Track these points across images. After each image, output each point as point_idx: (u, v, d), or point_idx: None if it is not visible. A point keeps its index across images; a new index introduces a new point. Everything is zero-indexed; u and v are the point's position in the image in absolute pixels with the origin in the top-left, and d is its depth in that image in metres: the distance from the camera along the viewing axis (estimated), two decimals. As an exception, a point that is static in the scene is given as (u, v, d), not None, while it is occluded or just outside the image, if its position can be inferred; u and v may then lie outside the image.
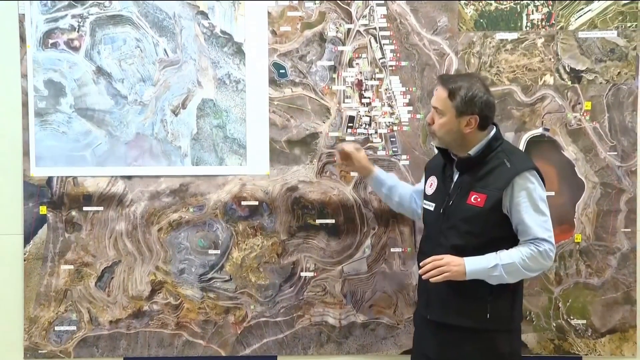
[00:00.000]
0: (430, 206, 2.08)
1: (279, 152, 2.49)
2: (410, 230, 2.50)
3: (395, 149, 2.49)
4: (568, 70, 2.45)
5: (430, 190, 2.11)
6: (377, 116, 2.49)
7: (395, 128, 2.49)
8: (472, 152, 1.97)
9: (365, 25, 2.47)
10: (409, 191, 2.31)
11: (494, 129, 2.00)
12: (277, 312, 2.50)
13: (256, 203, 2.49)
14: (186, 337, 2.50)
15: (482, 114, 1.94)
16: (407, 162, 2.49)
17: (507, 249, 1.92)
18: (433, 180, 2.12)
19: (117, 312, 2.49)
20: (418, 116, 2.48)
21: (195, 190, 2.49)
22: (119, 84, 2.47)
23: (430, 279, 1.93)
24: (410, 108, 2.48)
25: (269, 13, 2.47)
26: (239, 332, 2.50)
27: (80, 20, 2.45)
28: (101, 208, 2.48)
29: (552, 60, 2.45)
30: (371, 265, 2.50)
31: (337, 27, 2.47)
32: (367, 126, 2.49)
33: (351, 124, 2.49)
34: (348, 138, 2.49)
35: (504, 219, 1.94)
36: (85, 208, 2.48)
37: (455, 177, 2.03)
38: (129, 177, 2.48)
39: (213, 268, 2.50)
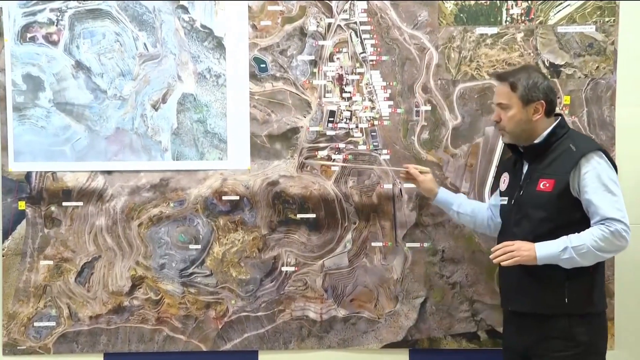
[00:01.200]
0: (504, 200, 2.12)
1: (259, 146, 2.49)
2: (391, 224, 2.50)
3: (376, 144, 2.50)
4: (547, 65, 2.46)
5: (504, 186, 2.15)
6: (357, 111, 2.49)
7: (375, 122, 2.49)
8: (537, 140, 2.00)
9: (346, 19, 2.47)
10: (485, 205, 2.32)
11: (559, 118, 2.03)
12: (258, 306, 2.50)
13: (237, 198, 2.49)
14: (167, 332, 2.49)
15: (547, 98, 1.99)
16: (387, 157, 2.49)
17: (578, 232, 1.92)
18: (506, 177, 2.16)
19: (97, 307, 2.48)
20: (399, 110, 2.49)
21: (176, 185, 2.49)
22: (98, 78, 2.46)
23: (501, 263, 1.94)
24: (391, 102, 2.49)
25: (249, 7, 2.46)
26: (220, 327, 2.50)
27: (58, 14, 2.43)
28: (81, 203, 2.47)
29: (532, 54, 2.46)
30: (352, 259, 2.50)
31: (318, 22, 2.47)
32: (347, 120, 2.49)
33: (332, 119, 2.49)
34: (329, 133, 2.49)
35: (575, 202, 1.95)
36: (64, 203, 2.47)
37: (525, 168, 2.06)
38: (109, 172, 2.47)
39: (194, 263, 2.49)
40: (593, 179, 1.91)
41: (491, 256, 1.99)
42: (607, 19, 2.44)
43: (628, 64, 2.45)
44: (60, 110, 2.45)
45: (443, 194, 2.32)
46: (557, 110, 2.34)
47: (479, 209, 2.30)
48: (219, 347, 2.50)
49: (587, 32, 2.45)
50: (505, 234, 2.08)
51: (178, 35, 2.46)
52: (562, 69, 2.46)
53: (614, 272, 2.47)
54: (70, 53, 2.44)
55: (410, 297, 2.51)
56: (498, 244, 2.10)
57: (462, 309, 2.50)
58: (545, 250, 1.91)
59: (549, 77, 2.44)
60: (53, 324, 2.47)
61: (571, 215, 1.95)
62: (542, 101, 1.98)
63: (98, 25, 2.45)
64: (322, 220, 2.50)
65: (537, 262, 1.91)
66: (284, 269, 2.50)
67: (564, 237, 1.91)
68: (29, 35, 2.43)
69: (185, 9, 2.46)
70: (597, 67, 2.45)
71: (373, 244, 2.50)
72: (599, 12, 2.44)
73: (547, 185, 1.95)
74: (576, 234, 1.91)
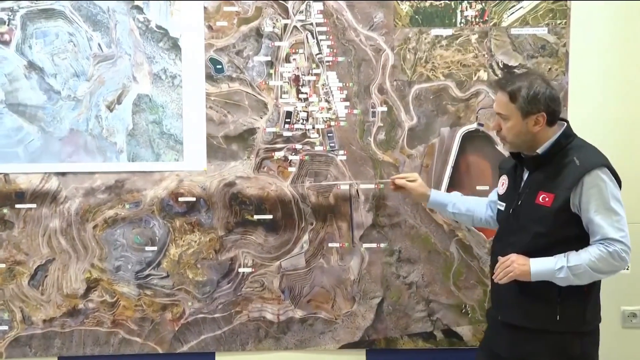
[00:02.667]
0: (502, 206, 2.04)
1: (216, 147, 2.48)
2: (348, 225, 2.51)
3: (333, 144, 2.50)
4: (501, 66, 2.49)
5: (502, 190, 2.08)
6: (314, 111, 2.49)
7: (332, 123, 2.50)
8: (540, 150, 1.91)
9: (302, 20, 2.47)
10: (483, 202, 2.26)
11: (564, 126, 1.94)
12: (215, 308, 2.49)
13: (193, 199, 2.47)
14: (122, 334, 2.48)
15: (548, 109, 1.88)
16: (344, 157, 2.50)
17: (577, 248, 1.85)
18: (505, 180, 2.08)
19: (51, 310, 2.45)
20: (355, 111, 2.50)
21: (132, 186, 2.47)
22: (51, 79, 2.43)
23: (499, 282, 1.90)
24: (347, 103, 2.49)
25: (205, 8, 2.45)
26: (177, 329, 2.49)
27: (10, 13, 2.40)
28: (34, 205, 2.44)
29: (486, 56, 2.49)
30: (309, 260, 2.51)
31: (274, 23, 2.47)
32: (304, 121, 2.49)
33: (288, 120, 2.49)
34: (285, 134, 2.49)
35: (574, 218, 1.87)
36: (17, 205, 2.43)
37: (526, 176, 1.99)
38: (63, 174, 2.45)
39: (150, 265, 2.48)
40: (596, 197, 1.83)
41: (493, 277, 1.93)
42: (558, 21, 2.47)
43: (579, 66, 2.48)
44: (13, 112, 2.42)
45: (435, 196, 2.25)
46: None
47: (475, 206, 2.24)
48: (175, 349, 2.49)
49: (540, 34, 2.48)
50: (502, 242, 2.02)
51: (133, 35, 2.44)
52: (515, 70, 2.48)
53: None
54: (23, 53, 2.41)
55: (367, 297, 2.52)
56: (494, 249, 2.08)
57: (419, 309, 2.52)
58: (540, 267, 1.85)
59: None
60: (5, 327, 2.44)
61: (569, 231, 1.88)
62: (543, 113, 1.87)
63: (51, 25, 2.42)
64: (279, 221, 2.50)
65: (530, 279, 1.86)
66: (241, 270, 2.50)
67: (560, 255, 1.85)
68: (-21, 35, 2.40)
69: (140, 10, 2.44)
70: (550, 68, 2.48)
71: (330, 244, 2.51)
72: (550, 15, 2.47)
73: (547, 199, 1.87)
74: (574, 252, 1.85)
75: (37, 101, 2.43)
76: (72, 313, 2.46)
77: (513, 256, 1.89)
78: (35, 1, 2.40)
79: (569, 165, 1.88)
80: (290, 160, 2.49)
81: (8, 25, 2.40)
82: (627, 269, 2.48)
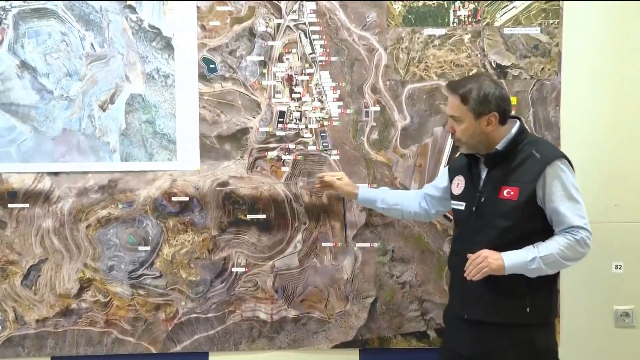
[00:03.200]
0: (461, 205, 2.05)
1: (209, 147, 2.48)
2: (341, 224, 2.51)
3: (326, 144, 2.50)
4: (494, 66, 2.49)
5: (458, 190, 2.09)
6: (307, 111, 2.49)
7: (325, 123, 2.50)
8: (499, 146, 1.95)
9: (295, 20, 2.47)
10: (414, 194, 2.30)
11: (518, 123, 1.99)
12: (209, 308, 2.49)
13: (187, 199, 2.47)
14: (116, 334, 2.47)
15: (499, 109, 1.93)
16: (337, 157, 2.50)
17: (541, 241, 1.90)
18: (460, 180, 2.09)
19: (44, 310, 2.45)
20: (348, 111, 2.50)
21: (125, 186, 2.46)
22: (44, 78, 2.43)
23: (473, 279, 1.90)
24: (341, 103, 2.49)
25: (198, 8, 2.45)
26: (170, 329, 2.49)
27: (2, 13, 2.39)
28: (27, 205, 2.43)
29: (479, 55, 2.49)
30: (302, 260, 2.51)
31: (267, 22, 2.47)
32: (297, 121, 2.50)
33: (282, 119, 2.49)
34: (278, 133, 2.49)
35: (538, 211, 1.92)
36: (10, 205, 2.43)
37: (484, 174, 2.01)
38: (56, 174, 2.44)
39: (143, 265, 2.48)
40: (558, 188, 1.89)
41: (466, 274, 1.93)
42: (551, 21, 2.47)
43: (572, 66, 2.49)
44: (5, 111, 2.42)
45: (364, 193, 2.32)
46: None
47: (403, 199, 2.28)
48: (168, 349, 2.49)
49: (533, 34, 2.48)
50: (465, 241, 2.02)
51: (126, 35, 2.44)
52: (508, 70, 2.49)
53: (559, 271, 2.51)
54: (15, 53, 2.41)
55: (360, 297, 2.52)
56: (454, 250, 2.10)
57: (412, 309, 2.52)
58: (513, 260, 1.87)
59: (495, 78, 2.47)
60: (-2, 327, 2.44)
61: (534, 223, 1.92)
62: (495, 112, 1.92)
63: (43, 25, 2.41)
64: (273, 221, 2.50)
65: (504, 272, 1.87)
66: (234, 269, 2.50)
67: (530, 247, 1.89)
68: (-29, 34, 2.39)
69: (132, 9, 2.44)
70: (543, 68, 2.49)
71: (323, 244, 2.51)
72: (543, 15, 2.47)
73: (512, 193, 1.91)
74: (542, 242, 1.89)
75: (29, 101, 2.42)
76: (65, 313, 2.46)
77: (485, 252, 1.90)
78: (27, 1, 2.39)
79: (529, 159, 1.92)
80: (284, 160, 2.49)
81: (0, 24, 2.40)
82: (620, 269, 2.51)
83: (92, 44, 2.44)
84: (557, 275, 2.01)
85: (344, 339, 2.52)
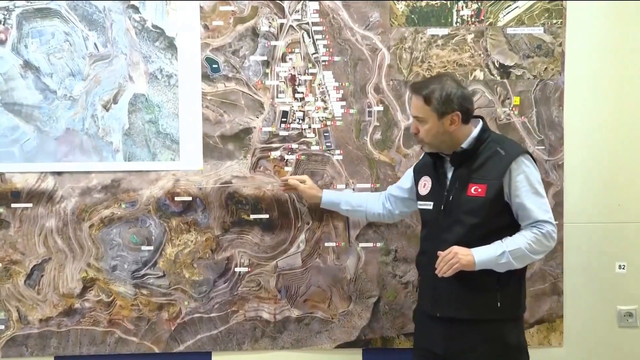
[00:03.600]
0: (428, 205, 2.08)
1: (212, 147, 2.48)
2: (344, 224, 2.51)
3: (329, 144, 2.50)
4: (497, 66, 2.49)
5: (424, 191, 2.11)
6: (310, 111, 2.49)
7: (328, 123, 2.50)
8: (464, 145, 1.99)
9: (298, 20, 2.47)
10: (377, 196, 2.33)
11: (481, 122, 2.03)
12: (212, 307, 2.49)
13: (190, 198, 2.47)
14: (119, 334, 2.47)
15: (462, 108, 1.97)
16: (340, 157, 2.50)
17: (509, 237, 1.93)
18: (426, 180, 2.11)
19: (48, 310, 2.45)
20: (351, 111, 2.50)
21: (128, 186, 2.47)
22: (47, 78, 2.43)
23: (444, 275, 1.91)
24: (344, 103, 2.49)
25: (201, 7, 2.45)
26: (173, 329, 2.49)
27: (5, 12, 2.40)
28: (30, 205, 2.44)
29: (482, 55, 2.49)
30: (305, 259, 2.51)
31: (270, 22, 2.47)
32: (300, 121, 2.49)
33: (285, 119, 2.49)
34: (281, 133, 2.49)
35: (505, 207, 1.96)
36: (13, 205, 2.43)
37: (450, 173, 2.03)
38: (59, 173, 2.44)
39: (146, 264, 2.48)
40: (524, 183, 1.93)
41: (437, 271, 1.94)
42: (554, 21, 2.47)
43: (575, 66, 2.48)
44: (8, 111, 2.42)
45: (328, 196, 2.34)
46: (500, 113, 2.42)
47: (366, 201, 2.31)
48: (172, 348, 2.49)
49: (536, 34, 2.48)
50: (434, 240, 2.04)
51: (129, 35, 2.44)
52: (511, 69, 2.49)
53: (562, 271, 2.51)
54: (19, 52, 2.41)
55: (363, 296, 2.52)
56: (423, 249, 2.12)
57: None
58: (483, 255, 1.90)
59: (498, 78, 2.48)
60: (2, 327, 2.44)
61: (502, 219, 1.96)
62: (458, 112, 1.96)
63: (47, 25, 2.42)
64: (276, 221, 2.50)
65: (475, 268, 1.90)
66: (237, 269, 2.50)
67: (498, 242, 1.92)
68: (-25, 34, 2.40)
69: (136, 9, 2.44)
70: (546, 68, 2.48)
71: (326, 244, 2.51)
72: (546, 14, 2.47)
73: (479, 190, 1.95)
74: (509, 237, 1.92)
75: (33, 100, 2.42)
76: (68, 312, 2.46)
77: (455, 248, 1.92)
78: (31, 0, 2.40)
79: (494, 156, 1.96)
80: (287, 159, 2.49)
81: (4, 24, 2.40)
82: (623, 269, 2.50)
83: (95, 44, 2.44)
84: (524, 270, 2.04)
85: (347, 339, 2.52)
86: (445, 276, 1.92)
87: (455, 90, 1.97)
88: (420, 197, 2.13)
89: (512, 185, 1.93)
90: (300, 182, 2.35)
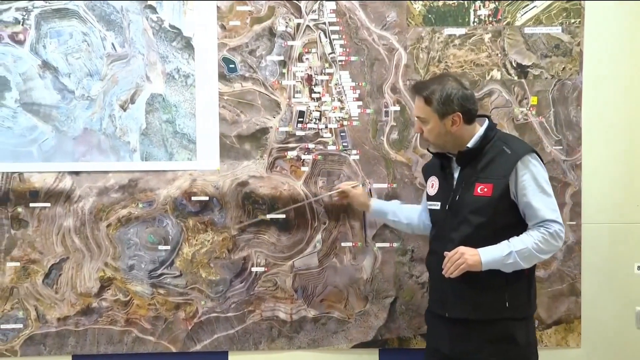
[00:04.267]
0: (436, 205, 2.08)
1: (229, 147, 2.48)
2: (360, 224, 2.51)
3: (346, 144, 2.50)
4: (514, 66, 2.48)
5: (432, 191, 2.12)
6: (327, 111, 2.49)
7: (345, 123, 2.50)
8: (470, 144, 1.99)
9: (315, 20, 2.47)
10: (418, 209, 2.31)
11: (487, 120, 2.03)
12: (228, 307, 2.50)
13: (206, 198, 2.48)
14: (136, 333, 2.48)
15: (463, 109, 1.96)
16: (357, 157, 2.50)
17: (516, 236, 1.92)
18: (434, 181, 2.12)
19: (65, 309, 2.46)
20: (368, 111, 2.49)
21: (145, 185, 2.47)
22: (65, 78, 2.44)
23: (451, 276, 1.92)
24: (360, 103, 2.49)
25: (218, 7, 2.46)
26: (190, 328, 2.49)
27: (24, 13, 2.41)
28: (48, 204, 2.45)
29: (499, 55, 2.48)
30: (322, 259, 2.51)
31: (287, 22, 2.47)
32: (317, 121, 2.49)
33: (301, 119, 2.49)
34: (298, 133, 2.49)
35: (512, 206, 1.95)
36: (31, 204, 2.44)
37: (456, 172, 2.03)
38: (77, 173, 2.45)
39: (163, 264, 2.48)
40: (530, 182, 1.92)
41: (444, 272, 1.94)
42: (572, 21, 2.46)
43: (593, 65, 2.47)
44: (27, 111, 2.43)
45: (377, 205, 2.34)
46: (518, 113, 2.40)
47: (412, 214, 2.30)
48: (188, 348, 2.49)
49: (554, 34, 2.47)
50: (441, 239, 2.04)
51: (146, 35, 2.45)
52: (529, 69, 2.48)
53: (580, 272, 2.50)
54: (37, 53, 2.42)
55: (380, 297, 2.52)
56: (432, 249, 2.12)
57: (432, 309, 2.51)
58: (490, 256, 1.90)
59: (516, 77, 2.47)
60: (20, 326, 2.45)
61: (509, 218, 1.95)
62: (459, 112, 1.96)
63: (65, 25, 2.43)
64: (292, 221, 2.50)
65: (481, 268, 1.90)
66: (254, 269, 2.50)
67: (505, 242, 1.91)
68: (-6, 34, 2.41)
69: (153, 9, 2.45)
70: (564, 68, 2.47)
71: (343, 244, 2.51)
72: (564, 14, 2.46)
73: (485, 189, 1.94)
74: (516, 237, 1.91)
75: (51, 100, 2.44)
76: (85, 312, 2.47)
77: (461, 248, 1.92)
78: (49, 1, 2.41)
79: (500, 155, 1.96)
80: (303, 159, 2.49)
81: (22, 24, 2.41)
82: (640, 270, 2.49)
83: (112, 44, 2.45)
84: (533, 270, 2.03)
85: (364, 339, 2.52)
86: (452, 277, 1.92)
87: (456, 90, 1.96)
88: (428, 197, 2.14)
89: (518, 184, 1.92)
90: (351, 187, 2.36)
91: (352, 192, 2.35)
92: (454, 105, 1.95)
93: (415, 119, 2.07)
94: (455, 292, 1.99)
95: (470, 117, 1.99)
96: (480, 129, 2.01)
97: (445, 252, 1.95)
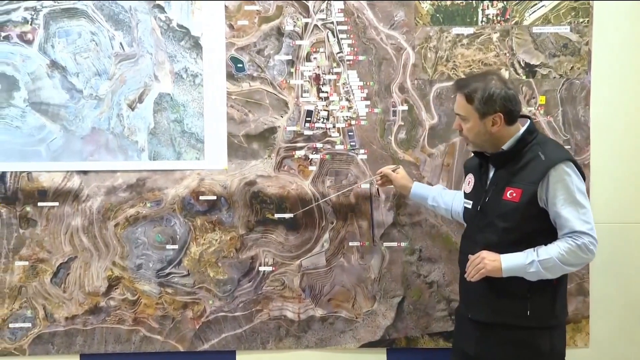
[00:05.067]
0: (469, 204, 2.07)
1: (237, 146, 2.48)
2: (368, 224, 2.51)
3: (353, 143, 2.50)
4: (523, 65, 2.48)
5: (468, 189, 2.10)
6: (335, 110, 2.49)
7: (353, 122, 2.50)
8: (505, 146, 1.95)
9: (323, 19, 2.47)
10: (455, 196, 2.29)
11: (528, 122, 1.97)
12: (236, 306, 2.50)
13: (214, 198, 2.48)
14: (144, 332, 2.48)
15: (505, 109, 1.91)
16: (365, 156, 2.50)
17: (545, 243, 1.88)
18: (470, 178, 2.10)
19: (73, 308, 2.47)
20: (376, 110, 2.49)
21: (153, 185, 2.48)
22: (74, 77, 2.44)
23: (472, 280, 1.92)
24: (368, 102, 2.49)
25: (226, 7, 2.46)
26: (197, 327, 2.49)
27: (33, 13, 2.41)
28: (56, 203, 2.45)
29: (507, 55, 2.48)
30: (330, 259, 2.51)
31: (295, 22, 2.47)
32: (325, 120, 2.49)
33: (309, 118, 2.49)
34: (306, 132, 2.49)
35: (541, 213, 1.90)
36: (40, 203, 2.45)
37: (491, 173, 2.01)
38: (85, 172, 2.46)
39: (171, 263, 2.49)
40: (561, 191, 1.86)
41: (465, 275, 1.94)
42: (581, 20, 2.46)
43: (602, 65, 2.47)
44: (36, 110, 2.44)
45: (417, 189, 2.32)
46: (526, 112, 2.35)
47: (453, 200, 2.27)
48: (196, 347, 2.50)
49: (562, 33, 2.46)
50: (468, 239, 2.04)
51: (154, 34, 2.45)
52: (537, 69, 2.47)
53: (588, 271, 2.50)
54: (45, 52, 2.43)
55: (387, 296, 2.51)
56: (461, 249, 2.12)
57: (439, 308, 2.51)
58: (511, 262, 1.87)
59: (524, 77, 2.47)
60: (28, 325, 2.45)
61: (537, 225, 1.91)
62: (500, 113, 1.90)
63: (73, 25, 2.43)
64: (300, 220, 2.50)
65: (501, 275, 1.88)
66: (262, 268, 2.50)
67: (530, 250, 1.88)
68: (2, 34, 2.41)
69: (161, 9, 2.45)
70: (572, 67, 2.47)
71: (351, 243, 2.50)
72: (573, 13, 2.46)
73: (514, 195, 1.90)
74: (543, 246, 1.88)
75: (59, 100, 2.44)
76: (93, 311, 2.47)
77: (483, 253, 1.90)
78: (58, 0, 2.41)
79: (534, 160, 1.91)
80: (311, 159, 2.49)
81: (31, 24, 2.42)
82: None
83: (121, 44, 2.45)
84: (563, 280, 1.98)
85: (371, 339, 2.52)
86: (473, 280, 1.92)
87: (499, 90, 1.90)
88: (465, 195, 2.12)
89: (549, 193, 1.87)
90: (392, 171, 2.35)
91: (393, 175, 2.34)
92: (495, 106, 1.90)
93: (456, 115, 2.02)
94: (476, 294, 1.99)
95: (511, 118, 1.93)
96: (519, 131, 1.95)
97: (470, 255, 1.94)
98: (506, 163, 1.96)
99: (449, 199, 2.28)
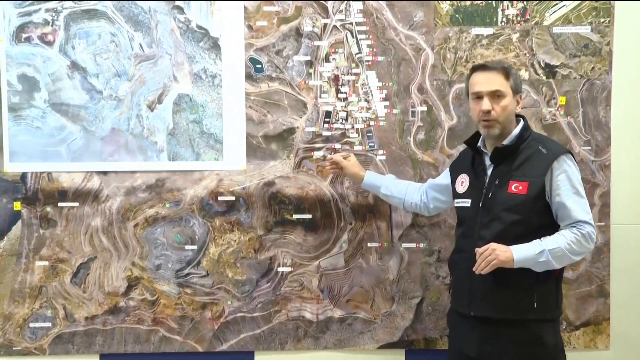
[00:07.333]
0: (466, 202, 2.07)
1: (255, 147, 2.49)
2: (387, 225, 2.50)
3: (372, 144, 2.50)
4: (543, 65, 2.46)
5: (462, 188, 2.10)
6: (353, 111, 2.49)
7: (371, 123, 2.49)
8: (506, 141, 1.99)
9: (342, 20, 2.47)
10: (418, 186, 2.33)
11: (522, 120, 2.04)
12: (254, 307, 2.50)
13: (233, 198, 2.48)
14: (163, 332, 2.49)
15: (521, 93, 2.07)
16: (383, 157, 2.49)
17: (547, 236, 1.91)
18: (464, 178, 2.11)
19: (93, 308, 2.48)
20: (394, 111, 2.49)
21: (172, 185, 2.48)
22: (94, 78, 2.45)
23: (482, 272, 1.90)
24: (387, 103, 2.49)
25: (245, 8, 2.46)
26: (216, 328, 2.50)
27: (54, 14, 2.42)
28: (76, 204, 2.46)
29: (527, 55, 2.46)
30: (348, 260, 2.50)
31: (314, 22, 2.47)
32: (343, 121, 2.49)
33: (328, 119, 2.49)
34: (325, 133, 2.49)
35: (546, 207, 1.94)
36: (60, 204, 2.46)
37: (489, 170, 2.03)
38: (105, 173, 2.47)
39: (190, 264, 2.49)
40: (565, 182, 1.92)
41: (474, 268, 1.93)
42: (602, 20, 2.44)
43: (623, 65, 2.45)
44: (56, 111, 2.45)
45: (370, 178, 2.34)
46: (546, 113, 2.43)
47: (406, 190, 2.32)
48: (215, 347, 2.50)
49: (583, 33, 2.45)
50: (470, 237, 2.02)
51: (174, 35, 2.46)
52: (557, 69, 2.46)
53: (609, 273, 2.48)
54: (66, 53, 2.44)
55: (406, 297, 2.51)
56: (460, 248, 2.10)
57: (458, 310, 2.50)
58: (522, 253, 1.88)
59: (544, 77, 2.47)
60: (49, 324, 2.47)
61: (541, 218, 1.94)
62: (521, 94, 2.04)
63: (94, 26, 2.44)
64: (318, 221, 2.50)
65: (513, 266, 1.88)
66: (280, 269, 2.50)
67: (537, 241, 1.90)
68: (24, 35, 2.42)
69: (180, 10, 2.45)
70: (593, 67, 2.45)
71: (369, 244, 2.50)
72: (594, 13, 2.44)
73: (520, 187, 1.93)
74: (549, 237, 1.91)
75: (79, 101, 2.45)
76: (113, 311, 2.48)
77: (493, 245, 1.91)
78: (78, 2, 2.42)
79: (536, 154, 1.95)
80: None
81: (52, 25, 2.43)
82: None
83: (140, 45, 2.46)
84: (561, 272, 2.02)
85: (390, 340, 2.51)
86: (483, 273, 1.91)
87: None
88: (457, 195, 2.12)
89: (553, 184, 1.92)
90: (344, 159, 2.37)
91: (345, 162, 2.35)
92: (521, 86, 2.04)
93: (485, 97, 1.96)
94: (482, 289, 1.98)
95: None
96: (517, 128, 2.01)
97: (476, 249, 1.93)
98: (506, 158, 1.99)
99: (403, 188, 2.33)
